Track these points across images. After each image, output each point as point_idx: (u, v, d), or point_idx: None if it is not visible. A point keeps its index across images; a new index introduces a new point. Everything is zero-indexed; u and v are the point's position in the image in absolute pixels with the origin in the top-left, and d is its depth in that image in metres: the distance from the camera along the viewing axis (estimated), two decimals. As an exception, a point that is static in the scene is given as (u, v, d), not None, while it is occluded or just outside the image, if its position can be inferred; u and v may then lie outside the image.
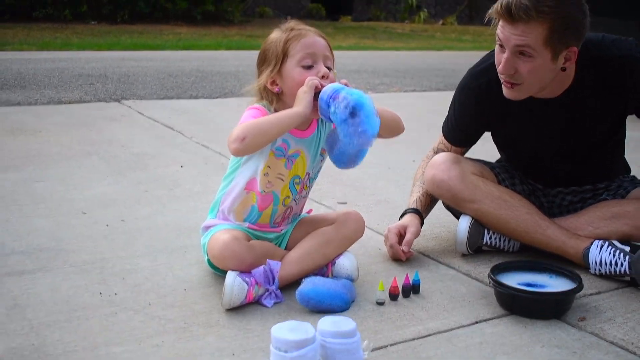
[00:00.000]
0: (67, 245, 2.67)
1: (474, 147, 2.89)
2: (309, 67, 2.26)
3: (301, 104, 2.18)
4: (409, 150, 4.30)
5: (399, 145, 4.49)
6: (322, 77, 2.24)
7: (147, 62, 8.82)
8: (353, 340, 1.80)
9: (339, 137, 2.11)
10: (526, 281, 2.34)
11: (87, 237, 2.76)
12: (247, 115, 2.26)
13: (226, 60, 9.36)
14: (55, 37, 11.73)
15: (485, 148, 3.01)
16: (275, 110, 2.32)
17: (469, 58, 3.49)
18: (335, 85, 2.15)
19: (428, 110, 5.88)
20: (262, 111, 2.28)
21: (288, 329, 1.75)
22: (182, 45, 11.51)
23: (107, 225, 2.90)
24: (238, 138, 2.13)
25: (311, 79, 2.20)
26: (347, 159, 2.19)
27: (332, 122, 2.12)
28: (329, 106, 2.10)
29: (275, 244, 2.42)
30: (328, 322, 1.82)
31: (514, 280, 2.32)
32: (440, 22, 22.22)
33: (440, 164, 2.68)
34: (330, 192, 3.49)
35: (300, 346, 1.71)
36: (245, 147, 2.15)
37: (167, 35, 13.38)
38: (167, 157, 4.09)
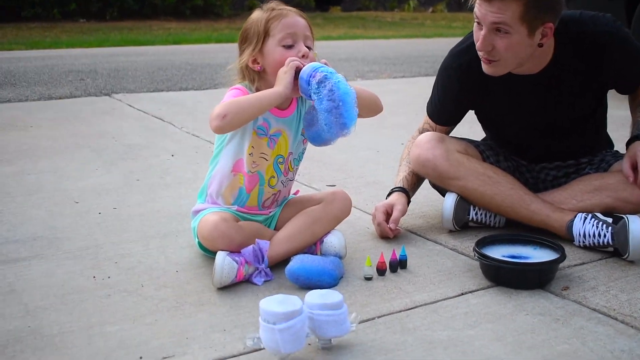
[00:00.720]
0: (60, 233, 2.71)
1: (460, 128, 2.94)
2: (290, 47, 2.31)
3: (281, 83, 2.23)
4: (397, 134, 4.34)
5: (388, 130, 4.56)
6: (303, 56, 2.29)
7: (137, 57, 8.85)
8: (340, 312, 1.85)
9: (318, 119, 2.16)
10: (511, 253, 2.39)
11: (80, 225, 2.81)
12: (229, 95, 2.31)
13: (216, 52, 9.38)
14: (44, 36, 11.74)
15: (474, 130, 3.06)
16: (257, 90, 2.36)
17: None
18: (315, 64, 2.21)
19: (417, 95, 5.90)
20: (243, 91, 2.33)
21: (276, 302, 1.79)
22: (172, 40, 11.53)
23: (99, 213, 2.95)
24: (219, 115, 2.18)
25: (291, 59, 2.25)
26: (323, 141, 2.25)
27: (312, 100, 2.17)
28: (309, 84, 2.16)
29: (265, 225, 2.47)
30: (315, 295, 1.87)
31: (499, 252, 2.37)
32: (430, 9, 22.25)
33: (425, 142, 2.73)
34: (319, 175, 3.54)
35: (288, 318, 1.76)
36: (226, 124, 2.20)
37: (156, 30, 13.40)
38: (158, 147, 4.13)
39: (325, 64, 2.24)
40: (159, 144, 4.21)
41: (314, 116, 2.20)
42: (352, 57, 9.26)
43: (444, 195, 2.80)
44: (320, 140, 2.25)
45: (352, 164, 3.77)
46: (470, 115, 2.90)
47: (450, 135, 2.89)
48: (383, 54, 9.95)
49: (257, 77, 2.37)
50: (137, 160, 3.83)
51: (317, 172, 3.56)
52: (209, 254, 2.39)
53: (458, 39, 2.81)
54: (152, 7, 15.68)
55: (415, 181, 2.85)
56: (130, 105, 5.45)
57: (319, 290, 1.91)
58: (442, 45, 2.79)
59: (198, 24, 15.02)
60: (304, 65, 2.23)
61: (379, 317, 2.06)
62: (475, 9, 2.45)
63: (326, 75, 2.13)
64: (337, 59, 8.98)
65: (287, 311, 1.76)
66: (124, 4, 15.26)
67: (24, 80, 6.63)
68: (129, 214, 2.95)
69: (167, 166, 3.70)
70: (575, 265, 2.46)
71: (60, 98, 5.79)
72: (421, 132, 2.90)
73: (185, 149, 4.06)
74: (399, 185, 2.81)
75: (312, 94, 2.15)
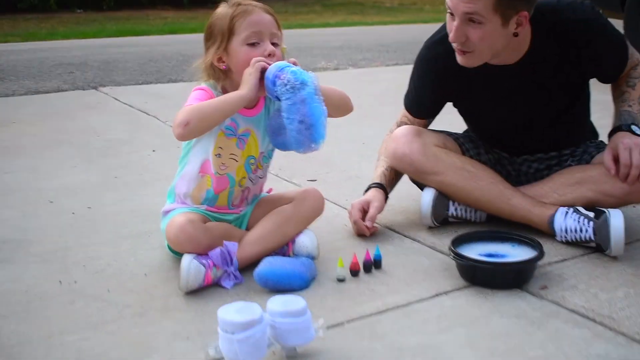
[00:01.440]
0: (31, 236, 2.65)
1: (442, 119, 2.87)
2: (256, 45, 2.23)
3: (246, 86, 2.16)
4: (385, 125, 4.18)
5: (375, 121, 4.47)
6: (269, 55, 2.21)
7: (130, 48, 8.76)
8: (303, 319, 1.78)
9: (285, 132, 2.12)
10: (488, 251, 2.32)
11: (52, 226, 2.75)
12: (193, 97, 2.24)
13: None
14: (40, 28, 11.66)
15: (456, 120, 2.99)
16: (223, 88, 2.30)
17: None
18: (281, 63, 2.14)
19: (407, 84, 5.81)
20: (208, 92, 2.25)
21: (234, 310, 1.73)
22: (168, 30, 11.44)
23: (73, 214, 2.89)
24: (182, 123, 2.11)
25: (257, 60, 2.17)
26: (289, 150, 2.22)
27: (279, 100, 2.11)
28: (274, 84, 2.09)
29: (235, 225, 2.40)
30: (277, 302, 1.80)
31: (476, 251, 2.31)
32: (430, -6, 22.05)
33: (401, 137, 2.66)
34: (301, 169, 3.47)
35: (247, 327, 1.69)
36: (189, 132, 2.14)
37: (153, 20, 13.32)
38: (140, 142, 4.07)
39: (294, 63, 2.17)
40: (141, 138, 4.14)
41: (281, 125, 2.14)
42: (346, 45, 9.17)
43: (422, 190, 2.73)
44: (286, 149, 2.22)
45: (336, 158, 3.70)
46: (451, 106, 2.82)
47: (429, 128, 2.82)
48: (378, 40, 9.85)
49: (223, 75, 2.30)
50: (118, 156, 3.76)
51: (299, 166, 3.48)
52: (178, 255, 2.31)
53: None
54: (148, -5, 15.60)
55: (393, 176, 2.77)
56: (116, 99, 5.38)
57: (281, 296, 1.84)
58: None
59: (195, 12, 14.89)
60: (269, 65, 2.15)
61: (348, 321, 2.00)
62: (447, 0, 2.38)
63: (294, 84, 2.06)
64: (331, 46, 8.90)
65: (245, 320, 1.70)
66: (120, -7, 15.17)
67: (13, 74, 6.55)
68: (103, 214, 2.88)
69: (146, 162, 3.63)
70: (556, 262, 2.40)
71: (47, 92, 5.71)
72: (399, 125, 2.83)
73: (167, 144, 3.98)
74: (377, 181, 2.74)
75: (278, 96, 2.09)
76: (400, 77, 6.42)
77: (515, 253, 2.31)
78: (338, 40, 9.66)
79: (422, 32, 11.26)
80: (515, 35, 2.41)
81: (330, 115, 2.22)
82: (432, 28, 2.81)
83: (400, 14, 15.99)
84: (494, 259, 2.27)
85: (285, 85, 2.05)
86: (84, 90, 5.82)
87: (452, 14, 2.38)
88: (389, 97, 5.27)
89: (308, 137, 2.07)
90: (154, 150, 3.85)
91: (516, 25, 2.38)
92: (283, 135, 2.16)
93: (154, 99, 5.37)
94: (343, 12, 16.15)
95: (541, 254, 2.24)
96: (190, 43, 9.13)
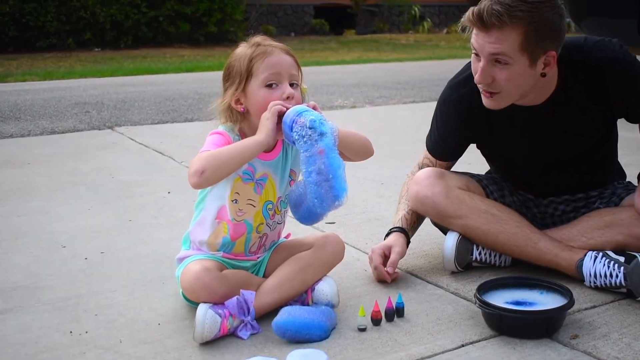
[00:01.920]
0: (42, 282, 2.58)
1: (465, 158, 2.79)
2: (275, 87, 2.17)
3: (263, 131, 2.09)
4: (404, 164, 4.17)
5: (394, 160, 4.41)
6: (287, 98, 2.15)
7: (146, 86, 8.77)
8: (325, 374, 1.70)
9: (306, 193, 2.05)
10: (515, 299, 2.23)
11: (64, 273, 2.68)
12: (209, 142, 2.17)
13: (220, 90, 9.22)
14: (58, 66, 11.71)
15: (478, 160, 2.92)
16: (240, 130, 2.23)
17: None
18: (299, 107, 2.07)
19: (426, 122, 5.74)
20: (225, 136, 2.19)
21: (252, 367, 1.65)
22: (185, 68, 11.45)
23: (85, 259, 2.82)
24: (197, 172, 2.04)
25: (274, 104, 2.11)
26: (314, 217, 2.14)
27: (295, 145, 2.04)
28: (292, 129, 2.03)
29: (252, 272, 2.33)
30: (298, 356, 1.72)
31: (502, 298, 2.22)
32: (445, 30, 22.11)
33: (424, 179, 2.58)
34: (320, 211, 3.39)
35: (266, 384, 1.62)
36: (205, 181, 2.06)
37: (170, 58, 13.36)
38: (155, 183, 4.01)
39: (314, 107, 2.10)
40: (156, 180, 4.09)
41: (300, 193, 2.07)
42: (362, 83, 9.14)
43: (445, 234, 2.65)
44: (311, 217, 2.14)
45: (355, 198, 3.62)
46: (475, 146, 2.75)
47: (452, 169, 2.74)
48: (394, 78, 9.82)
49: (241, 117, 2.24)
50: (132, 198, 3.70)
51: (317, 208, 3.40)
52: (193, 304, 2.23)
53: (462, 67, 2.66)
54: (165, 34, 15.67)
55: (414, 220, 2.69)
56: (131, 139, 5.34)
57: (301, 350, 1.77)
58: (456, 67, 2.65)
59: (212, 50, 14.97)
60: (287, 109, 2.09)
61: (371, 375, 1.91)
62: (472, 40, 2.31)
63: (311, 133, 2.00)
64: (347, 84, 8.87)
65: (264, 377, 1.62)
66: (138, 32, 15.26)
67: (29, 114, 6.55)
68: (116, 259, 2.81)
69: (161, 204, 3.57)
70: (586, 309, 2.30)
71: (63, 132, 5.69)
72: (421, 167, 2.75)
73: (182, 186, 3.90)
74: (398, 225, 2.65)
75: (294, 142, 2.03)
76: (417, 115, 6.42)
77: (544, 300, 2.22)
78: (354, 78, 9.64)
79: (438, 68, 11.27)
80: (543, 75, 2.33)
81: (350, 160, 2.17)
82: (447, 64, 2.76)
83: (416, 51, 15.99)
84: (523, 307, 2.17)
85: (302, 134, 1.99)
86: (99, 130, 5.80)
87: (477, 55, 2.31)
88: (408, 135, 5.22)
89: (328, 190, 1.99)
90: (169, 192, 3.79)
91: (544, 65, 2.30)
92: (305, 203, 2.09)
93: (169, 139, 5.32)
94: (359, 48, 16.17)
95: (571, 302, 2.15)
96: (205, 81, 9.15)
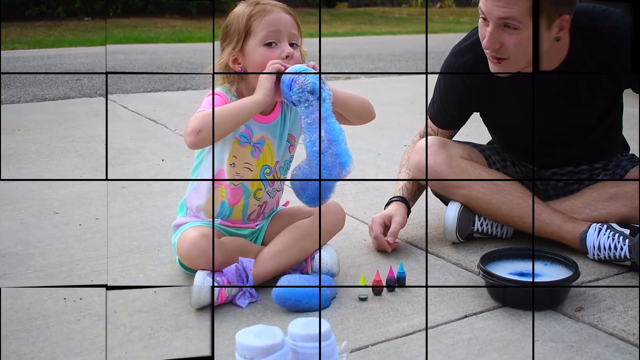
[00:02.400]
0: (33, 249, 2.51)
1: (467, 129, 2.74)
2: (273, 46, 2.11)
3: (261, 90, 2.03)
4: (400, 135, 4.15)
5: (390, 130, 4.36)
6: (286, 57, 2.08)
7: (137, 55, 8.67)
8: (328, 343, 1.65)
9: (311, 173, 1.99)
10: (519, 270, 2.19)
11: (57, 239, 2.61)
12: (206, 102, 2.11)
13: (218, 51, 9.13)
14: (48, 35, 11.57)
15: (480, 130, 2.86)
16: (238, 91, 2.17)
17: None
18: (299, 66, 2.01)
19: (421, 94, 5.71)
20: (222, 97, 2.12)
21: (254, 334, 1.60)
22: (176, 38, 11.33)
23: (79, 225, 2.76)
24: (193, 131, 1.97)
25: (273, 62, 2.04)
26: (324, 193, 2.07)
27: (295, 106, 1.98)
28: (291, 89, 1.96)
29: (250, 240, 2.27)
30: (299, 325, 1.67)
31: (506, 269, 2.18)
32: (438, 4, 21.99)
33: (426, 148, 2.52)
34: (317, 181, 3.34)
35: (268, 352, 1.56)
36: (201, 140, 1.99)
37: (161, 28, 13.22)
38: (148, 151, 3.94)
39: (314, 67, 2.03)
40: (149, 147, 4.02)
41: (305, 173, 2.00)
42: (356, 54, 9.06)
43: (446, 205, 2.60)
44: (320, 195, 2.05)
45: (352, 168, 3.56)
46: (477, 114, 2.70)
47: (454, 139, 2.69)
48: (389, 50, 9.74)
49: (238, 78, 2.17)
50: (125, 165, 3.64)
51: (315, 178, 3.35)
52: (191, 272, 2.19)
53: (465, 35, 2.60)
54: (157, 4, 15.48)
55: (415, 189, 2.64)
56: (124, 107, 5.26)
57: (304, 318, 1.71)
58: (449, 41, 2.60)
59: (204, 22, 14.82)
60: (286, 68, 2.02)
61: (372, 344, 1.87)
62: (481, 4, 2.25)
63: (312, 100, 1.95)
64: (341, 55, 8.79)
65: (266, 345, 1.57)
66: (128, 1, 15.07)
67: (19, 81, 6.44)
68: (111, 226, 2.75)
69: (155, 172, 3.51)
70: (590, 281, 2.26)
71: (53, 99, 5.60)
72: (422, 135, 2.70)
73: (176, 153, 3.86)
74: (398, 195, 2.60)
75: (294, 102, 1.96)
76: (413, 87, 6.37)
77: (548, 272, 2.18)
78: (348, 50, 9.55)
79: (432, 42, 11.21)
80: (557, 40, 2.27)
81: (350, 123, 2.12)
82: (441, 38, 2.71)
83: (409, 24, 15.90)
84: (527, 278, 2.13)
85: (303, 98, 1.93)
86: (91, 97, 5.71)
87: (485, 19, 2.25)
88: (404, 106, 5.15)
89: (334, 158, 1.93)
90: (162, 160, 3.73)
91: (558, 29, 2.24)
92: (310, 185, 2.02)
93: (162, 107, 5.25)
94: (352, 21, 16.06)
95: (577, 273, 2.11)
96: (198, 52, 9.05)
